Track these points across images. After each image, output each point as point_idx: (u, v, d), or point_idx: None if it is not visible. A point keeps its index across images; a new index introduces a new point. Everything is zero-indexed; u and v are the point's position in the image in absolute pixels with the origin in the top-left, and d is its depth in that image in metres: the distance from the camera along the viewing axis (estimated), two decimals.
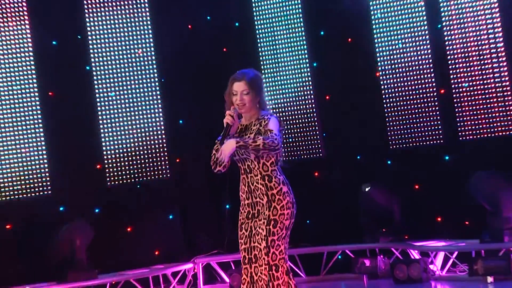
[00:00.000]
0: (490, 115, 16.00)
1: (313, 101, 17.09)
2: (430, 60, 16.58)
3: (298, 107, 17.19)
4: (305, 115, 17.04)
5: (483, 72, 16.26)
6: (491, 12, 16.03)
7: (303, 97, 17.23)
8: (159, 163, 16.98)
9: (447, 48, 16.54)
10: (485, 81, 16.22)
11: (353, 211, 15.94)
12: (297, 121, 17.00)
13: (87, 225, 15.52)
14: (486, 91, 16.09)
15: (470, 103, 16.12)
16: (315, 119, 16.96)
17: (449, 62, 16.51)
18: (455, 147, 15.95)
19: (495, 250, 13.90)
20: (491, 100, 16.06)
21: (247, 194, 9.16)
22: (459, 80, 16.37)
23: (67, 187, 16.27)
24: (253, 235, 9.06)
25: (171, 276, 15.96)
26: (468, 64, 16.40)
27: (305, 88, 17.16)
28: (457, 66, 16.47)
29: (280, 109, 16.83)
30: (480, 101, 16.05)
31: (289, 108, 16.94)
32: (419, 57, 16.85)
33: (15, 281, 15.20)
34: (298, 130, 16.85)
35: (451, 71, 16.34)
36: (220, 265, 16.31)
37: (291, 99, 17.18)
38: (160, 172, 16.98)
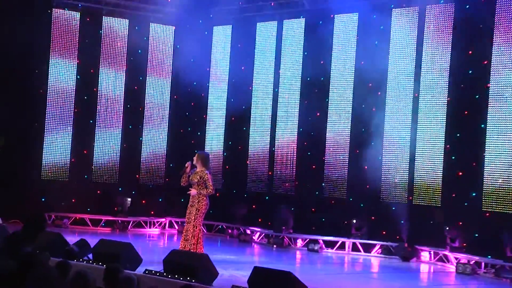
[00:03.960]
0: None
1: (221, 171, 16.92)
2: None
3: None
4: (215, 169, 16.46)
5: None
6: None
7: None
8: (162, 178, 17.34)
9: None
10: None
11: (232, 210, 16.30)
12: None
13: (129, 198, 16.50)
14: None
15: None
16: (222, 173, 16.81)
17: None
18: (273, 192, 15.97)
19: (278, 235, 14.88)
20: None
21: (191, 197, 10.50)
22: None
23: (123, 180, 16.91)
24: (189, 213, 10.48)
25: (156, 222, 16.80)
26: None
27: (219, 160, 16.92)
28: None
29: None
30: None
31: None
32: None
33: (93, 212, 16.25)
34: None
35: None
36: (175, 222, 16.86)
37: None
38: (161, 181, 17.34)
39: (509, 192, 12.54)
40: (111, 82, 16.83)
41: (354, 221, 14.56)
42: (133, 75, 17.01)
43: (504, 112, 12.71)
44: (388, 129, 14.40)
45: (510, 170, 12.58)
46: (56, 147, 16.35)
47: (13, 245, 5.39)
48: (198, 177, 10.43)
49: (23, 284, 4.52)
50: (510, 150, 12.61)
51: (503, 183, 12.60)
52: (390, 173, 14.37)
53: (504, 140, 12.70)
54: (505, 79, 12.74)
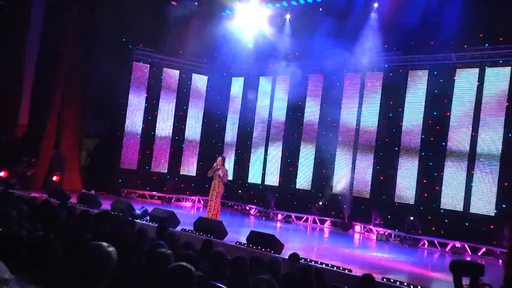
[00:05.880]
0: None
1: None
2: None
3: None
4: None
5: None
6: None
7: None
8: (194, 170, 16.83)
9: None
10: None
11: (237, 194, 15.55)
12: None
13: (173, 181, 16.22)
14: None
15: None
16: (233, 169, 16.17)
17: None
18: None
19: (266, 211, 14.27)
20: None
21: (213, 184, 10.26)
22: None
23: (170, 171, 16.14)
24: (212, 194, 10.28)
25: (189, 199, 16.17)
26: None
27: None
28: None
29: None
30: None
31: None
32: None
33: (151, 190, 15.63)
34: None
35: None
36: (202, 199, 16.03)
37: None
38: (194, 172, 16.86)
39: (410, 191, 12.78)
40: (166, 109, 16.61)
41: (318, 204, 14.25)
42: (180, 106, 16.78)
43: (410, 140, 12.94)
44: (339, 147, 14.31)
45: (411, 177, 12.81)
46: (130, 148, 16.04)
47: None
48: (219, 171, 10.33)
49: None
50: (413, 165, 12.83)
51: (407, 185, 12.85)
52: (339, 175, 14.25)
53: (409, 158, 12.93)
54: (411, 120, 12.99)
